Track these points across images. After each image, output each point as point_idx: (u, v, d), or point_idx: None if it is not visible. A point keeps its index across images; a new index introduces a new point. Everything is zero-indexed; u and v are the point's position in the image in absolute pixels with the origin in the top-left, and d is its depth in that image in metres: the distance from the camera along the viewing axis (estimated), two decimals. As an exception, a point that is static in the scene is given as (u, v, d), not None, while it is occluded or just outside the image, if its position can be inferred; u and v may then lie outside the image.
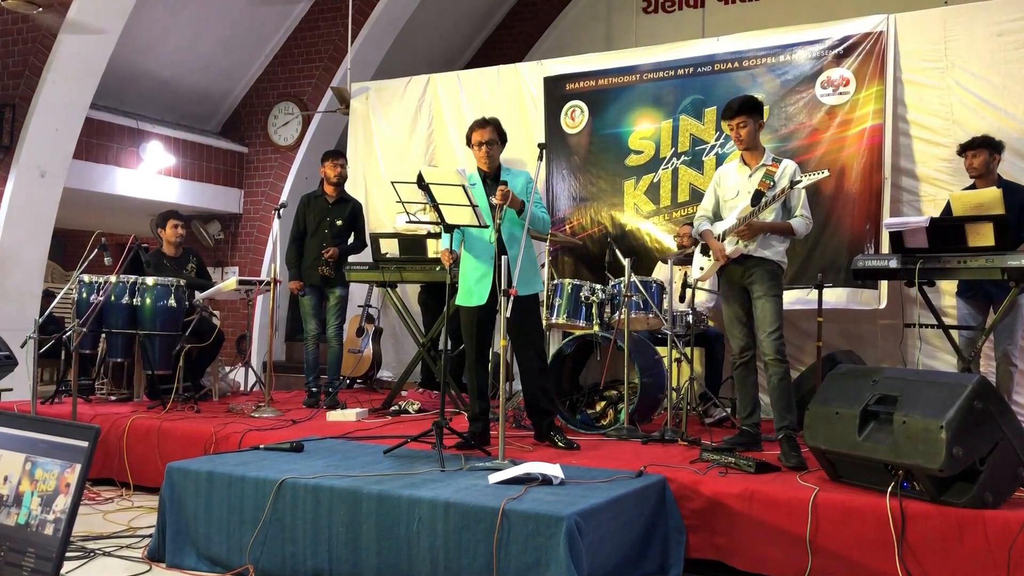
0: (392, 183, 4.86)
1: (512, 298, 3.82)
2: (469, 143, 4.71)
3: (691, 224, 6.07)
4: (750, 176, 4.47)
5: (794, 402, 4.35)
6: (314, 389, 6.22)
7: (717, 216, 4.65)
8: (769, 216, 4.38)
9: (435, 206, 4.37)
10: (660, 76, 6.59)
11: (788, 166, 4.43)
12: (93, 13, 6.97)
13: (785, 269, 4.53)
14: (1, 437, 1.91)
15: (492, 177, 4.65)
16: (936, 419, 3.23)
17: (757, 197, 4.38)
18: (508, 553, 3.05)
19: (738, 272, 4.46)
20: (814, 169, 5.90)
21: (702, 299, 5.67)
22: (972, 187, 5.09)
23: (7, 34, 7.25)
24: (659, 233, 6.54)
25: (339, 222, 6.21)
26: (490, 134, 4.62)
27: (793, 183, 4.29)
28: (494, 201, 4.39)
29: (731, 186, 4.57)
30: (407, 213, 5.13)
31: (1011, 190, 4.89)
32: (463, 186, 4.26)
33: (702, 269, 4.73)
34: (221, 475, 3.67)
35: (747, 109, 4.40)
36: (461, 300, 4.61)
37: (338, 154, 6.42)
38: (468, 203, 4.28)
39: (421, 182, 4.33)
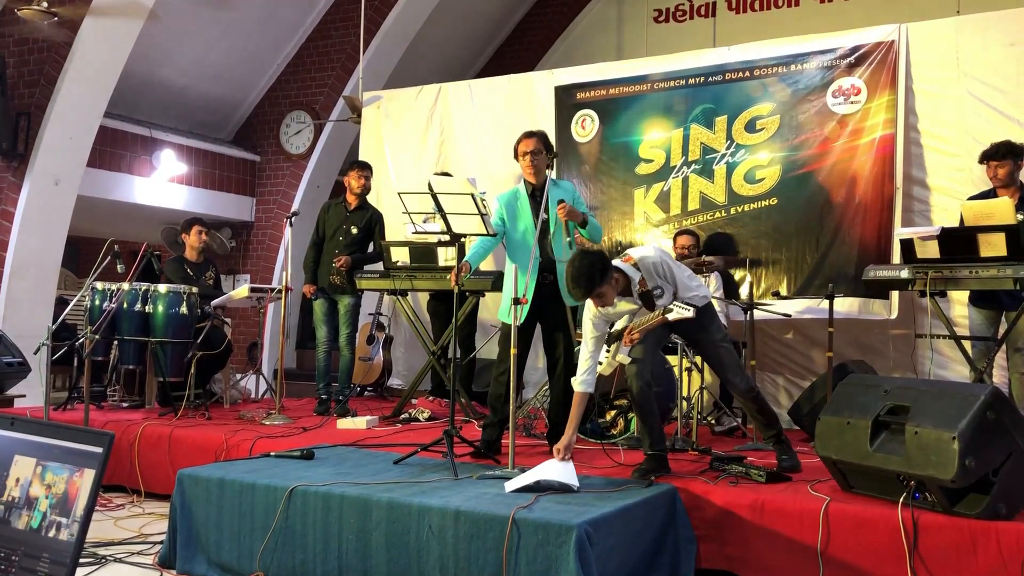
0: (399, 194, 4.89)
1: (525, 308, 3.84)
2: (516, 156, 4.70)
3: (687, 233, 6.08)
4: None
5: (774, 417, 4.26)
6: (324, 396, 6.22)
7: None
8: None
9: (443, 215, 4.40)
10: (671, 85, 6.59)
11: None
12: (105, 27, 7.03)
13: (709, 298, 4.16)
14: (16, 443, 1.92)
15: (539, 190, 4.59)
16: (948, 430, 3.21)
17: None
18: (518, 562, 3.05)
19: (669, 328, 4.11)
20: (824, 180, 5.95)
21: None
22: (983, 195, 5.06)
23: (23, 43, 7.31)
24: (669, 242, 6.53)
25: (355, 230, 6.23)
26: (535, 144, 4.61)
27: (665, 311, 3.71)
28: (560, 216, 4.42)
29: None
30: (412, 223, 5.15)
31: None
32: (472, 195, 4.28)
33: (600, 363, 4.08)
34: (232, 482, 3.68)
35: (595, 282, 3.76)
36: (502, 315, 4.60)
37: (364, 165, 6.41)
38: (477, 212, 4.30)
39: (431, 191, 4.36)
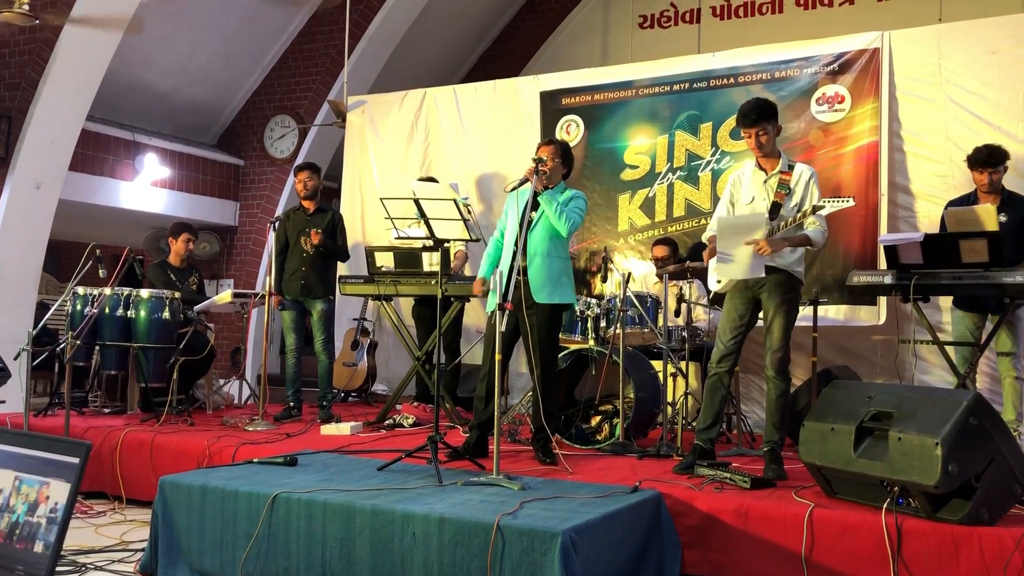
0: (381, 200, 4.87)
1: (507, 311, 3.84)
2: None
3: (663, 243, 6.10)
4: (765, 182, 4.34)
5: (787, 420, 4.28)
6: (291, 404, 6.18)
7: None
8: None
9: (425, 221, 4.39)
10: (656, 91, 6.61)
11: (804, 172, 4.31)
12: (88, 30, 6.98)
13: (803, 280, 4.37)
14: (-8, 452, 1.90)
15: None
16: (931, 436, 3.23)
17: (775, 210, 4.25)
18: (502, 569, 3.03)
19: (752, 279, 4.28)
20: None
21: (697, 313, 5.66)
22: (963, 199, 5.09)
23: (4, 46, 7.25)
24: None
25: (318, 232, 6.20)
26: (548, 153, 4.60)
27: (816, 208, 4.15)
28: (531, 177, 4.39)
29: (747, 191, 4.42)
30: (395, 228, 5.14)
31: (1016, 202, 4.90)
32: (454, 200, 4.28)
33: (719, 282, 4.45)
34: (214, 489, 3.65)
35: (768, 116, 4.29)
36: (488, 306, 4.61)
37: (314, 167, 6.34)
38: (459, 217, 4.30)
39: (414, 197, 4.36)
